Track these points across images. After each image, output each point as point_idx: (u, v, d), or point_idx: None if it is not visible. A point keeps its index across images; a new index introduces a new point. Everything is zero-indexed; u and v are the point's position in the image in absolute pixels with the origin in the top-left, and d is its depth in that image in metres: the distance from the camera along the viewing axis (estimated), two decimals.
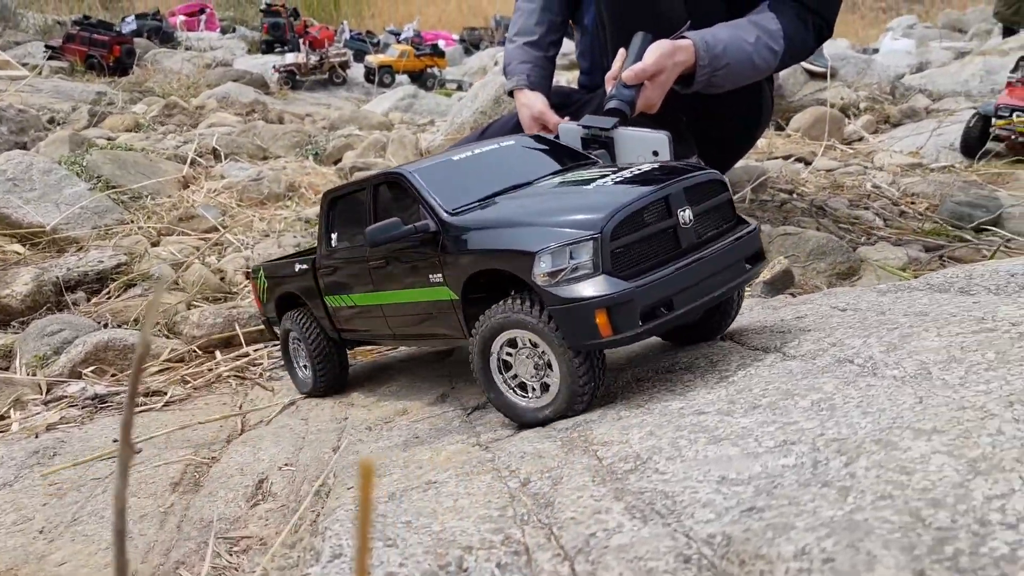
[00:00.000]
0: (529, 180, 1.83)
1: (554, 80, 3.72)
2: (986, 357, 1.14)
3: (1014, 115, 4.47)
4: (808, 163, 4.88)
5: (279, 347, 2.38)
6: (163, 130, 6.95)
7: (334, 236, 2.05)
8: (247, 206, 4.81)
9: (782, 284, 2.70)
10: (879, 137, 6.00)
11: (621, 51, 2.82)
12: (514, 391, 1.52)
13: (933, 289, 1.77)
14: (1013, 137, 4.50)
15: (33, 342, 2.72)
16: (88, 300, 3.34)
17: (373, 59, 14.64)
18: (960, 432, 0.88)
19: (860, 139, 6.04)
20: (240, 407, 2.29)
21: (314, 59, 13.50)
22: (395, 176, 1.83)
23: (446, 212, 1.68)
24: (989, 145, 4.61)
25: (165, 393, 2.47)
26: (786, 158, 4.95)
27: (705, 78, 2.73)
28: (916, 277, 2.57)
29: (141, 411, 2.37)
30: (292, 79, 13.13)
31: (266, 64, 13.93)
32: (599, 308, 1.43)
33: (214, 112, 7.79)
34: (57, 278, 3.35)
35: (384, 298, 1.87)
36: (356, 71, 14.56)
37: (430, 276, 1.68)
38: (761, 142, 5.87)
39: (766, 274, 2.71)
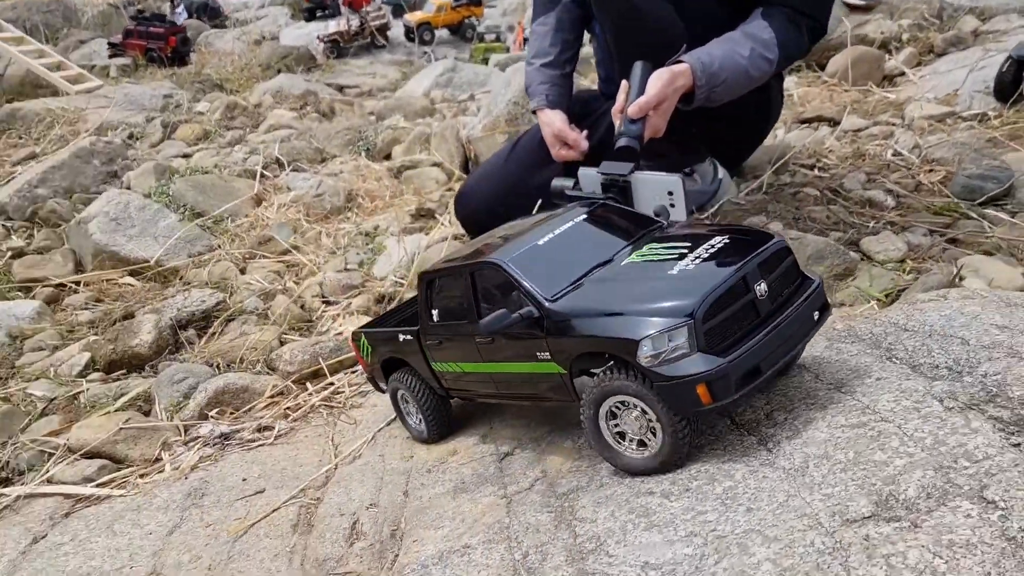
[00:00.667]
0: (609, 258, 2.06)
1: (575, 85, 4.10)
2: (847, 456, 1.61)
3: None
4: (836, 123, 5.10)
5: (389, 401, 2.76)
6: (229, 137, 7.64)
7: (435, 312, 2.32)
8: (314, 220, 5.45)
9: None
10: (921, 71, 6.06)
11: (624, 84, 3.20)
12: (619, 443, 1.87)
13: (866, 344, 2.18)
14: None
15: (166, 389, 3.45)
16: (199, 337, 4.07)
17: (411, 17, 14.95)
18: (787, 542, 1.38)
19: (901, 74, 6.11)
20: (332, 440, 2.95)
21: (355, 24, 13.91)
22: (491, 265, 2.09)
23: (546, 300, 1.94)
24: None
25: (273, 428, 3.16)
26: (812, 121, 5.18)
27: (704, 96, 3.08)
28: (886, 299, 2.96)
29: (257, 445, 3.06)
30: (337, 48, 13.62)
31: (310, 35, 14.43)
32: (699, 383, 1.71)
33: (271, 109, 8.43)
34: (172, 319, 4.09)
35: (493, 368, 2.16)
36: (396, 30, 14.89)
37: (538, 354, 1.96)
38: (797, 92, 6.06)
39: None
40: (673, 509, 1.63)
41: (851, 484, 1.50)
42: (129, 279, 5.11)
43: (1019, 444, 1.48)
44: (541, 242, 2.16)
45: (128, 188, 6.11)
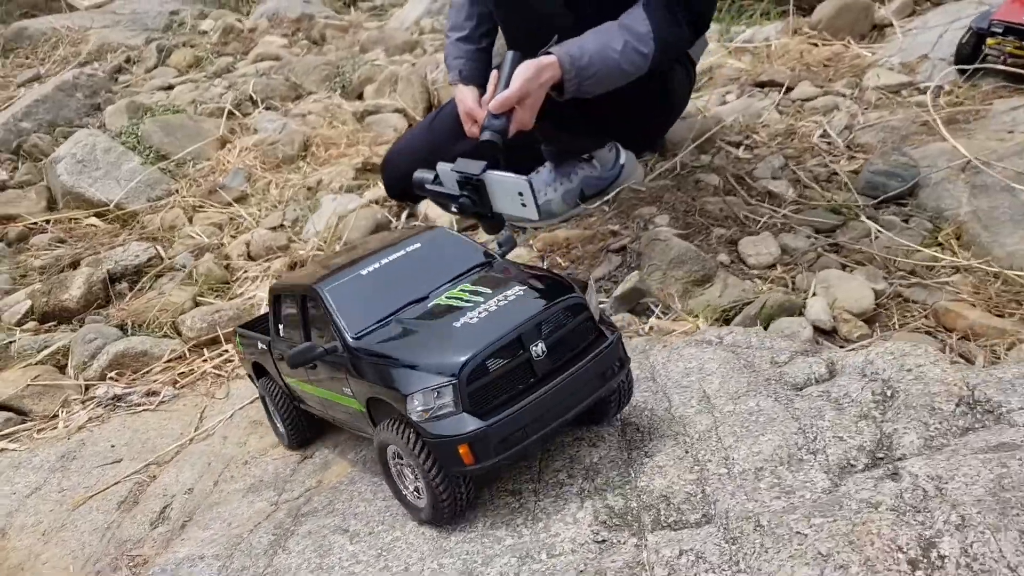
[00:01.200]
0: (425, 294, 2.11)
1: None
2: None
3: (1008, 35, 4.32)
4: (790, 89, 4.96)
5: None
6: (217, 66, 7.81)
7: (280, 327, 2.46)
8: (268, 169, 5.68)
9: (632, 298, 3.24)
10: (912, 23, 5.76)
11: (494, 74, 3.27)
12: (406, 487, 1.99)
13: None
14: (1002, 59, 4.37)
15: (79, 347, 3.83)
16: (130, 291, 4.43)
17: None
18: None
19: (889, 25, 5.82)
20: (201, 413, 3.29)
21: None
22: (313, 292, 2.14)
23: (351, 336, 2.00)
24: (982, 63, 4.50)
25: (160, 393, 3.52)
26: (765, 86, 5.05)
27: (574, 88, 3.13)
28: (720, 317, 3.04)
29: (141, 410, 3.44)
30: None
31: None
32: (460, 444, 1.78)
33: (264, 35, 8.53)
34: (106, 272, 4.45)
35: (319, 392, 2.28)
36: None
37: (343, 388, 2.06)
38: (776, 44, 5.87)
39: (618, 290, 3.25)
40: (346, 551, 1.89)
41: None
42: (94, 220, 5.49)
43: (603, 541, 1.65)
44: (364, 272, 2.20)
45: (103, 126, 6.42)
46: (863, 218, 3.54)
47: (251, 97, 6.77)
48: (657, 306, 3.21)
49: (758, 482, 1.67)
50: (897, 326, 2.86)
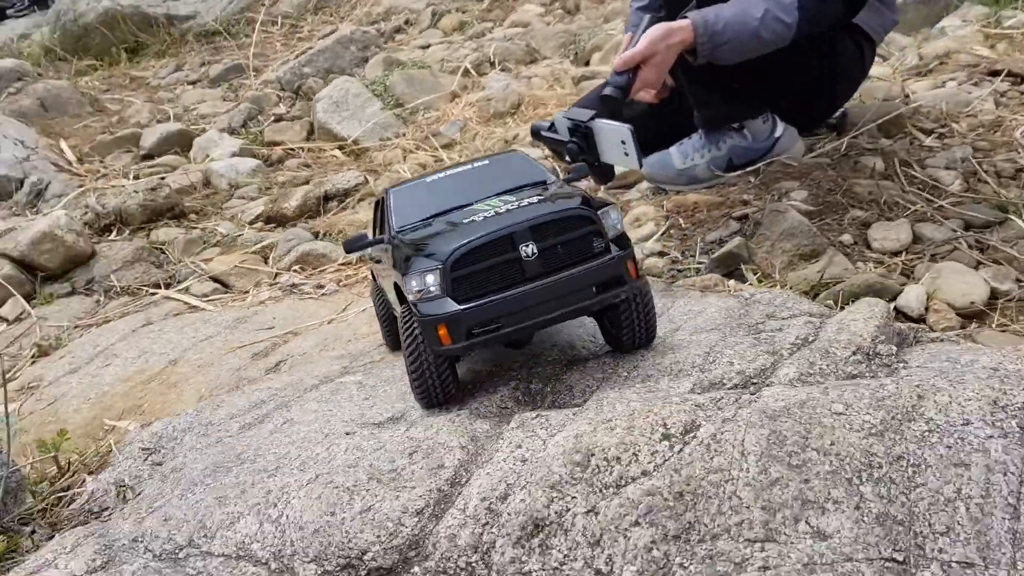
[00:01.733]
0: (470, 202, 2.29)
1: None
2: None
3: None
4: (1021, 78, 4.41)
5: None
6: (474, 31, 8.67)
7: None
8: (481, 122, 6.32)
9: (728, 262, 3.27)
10: None
11: (628, 35, 3.48)
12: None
13: None
14: None
15: (281, 244, 4.76)
16: (336, 207, 5.33)
17: None
18: None
19: None
20: (345, 307, 3.96)
21: None
22: (384, 194, 2.47)
23: (394, 231, 2.25)
24: None
25: (324, 287, 4.28)
26: (996, 74, 4.53)
27: (707, 52, 3.24)
28: (810, 290, 2.98)
29: (307, 297, 4.22)
30: None
31: None
32: (440, 323, 2.00)
33: (525, 3, 9.24)
34: (322, 192, 5.39)
35: (385, 287, 2.55)
36: None
37: (394, 282, 2.26)
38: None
39: (717, 252, 3.30)
40: (352, 395, 2.34)
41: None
42: (336, 151, 6.57)
43: None
44: (430, 179, 2.53)
45: (363, 76, 7.55)
46: (1015, 219, 3.18)
47: (490, 59, 7.48)
48: (756, 274, 3.22)
49: (638, 383, 1.81)
50: (994, 325, 2.62)
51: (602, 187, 4.16)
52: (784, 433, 1.60)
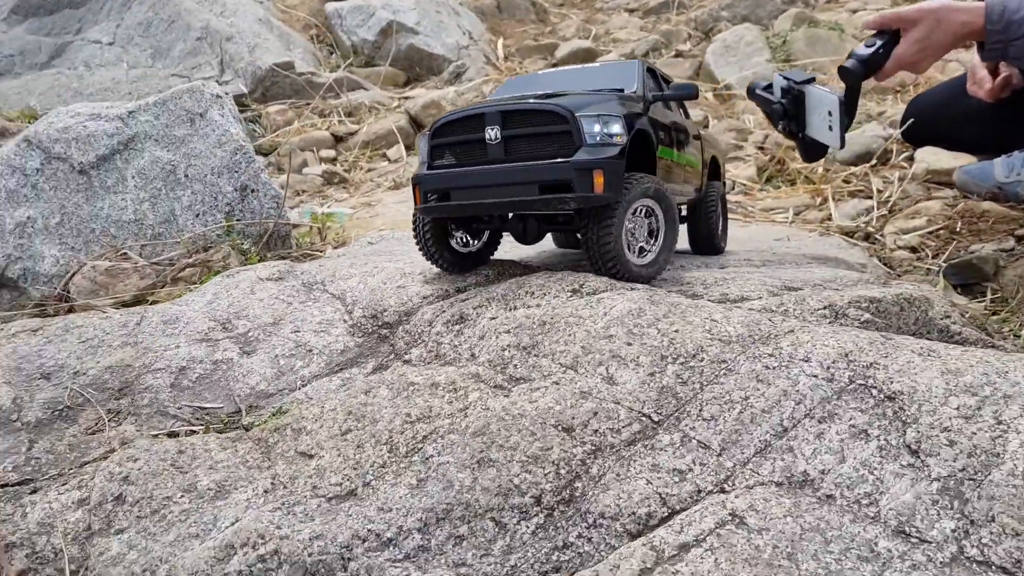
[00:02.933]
0: (549, 93, 2.42)
1: None
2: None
3: None
4: None
5: None
6: None
7: None
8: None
9: (966, 273, 2.94)
10: None
11: None
12: None
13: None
14: None
15: None
16: None
17: None
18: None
19: None
20: None
21: None
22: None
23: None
24: None
25: None
26: None
27: (999, 47, 2.81)
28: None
29: None
30: None
31: None
32: (414, 184, 2.32)
33: None
34: None
35: None
36: None
37: None
38: None
39: (957, 258, 2.99)
40: (383, 265, 2.90)
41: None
42: (708, 94, 6.88)
43: None
44: (541, 73, 2.85)
45: (769, 27, 7.56)
46: None
47: None
48: (995, 294, 2.88)
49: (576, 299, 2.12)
50: None
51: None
52: (646, 311, 1.95)
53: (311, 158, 5.65)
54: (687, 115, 3.10)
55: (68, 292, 3.16)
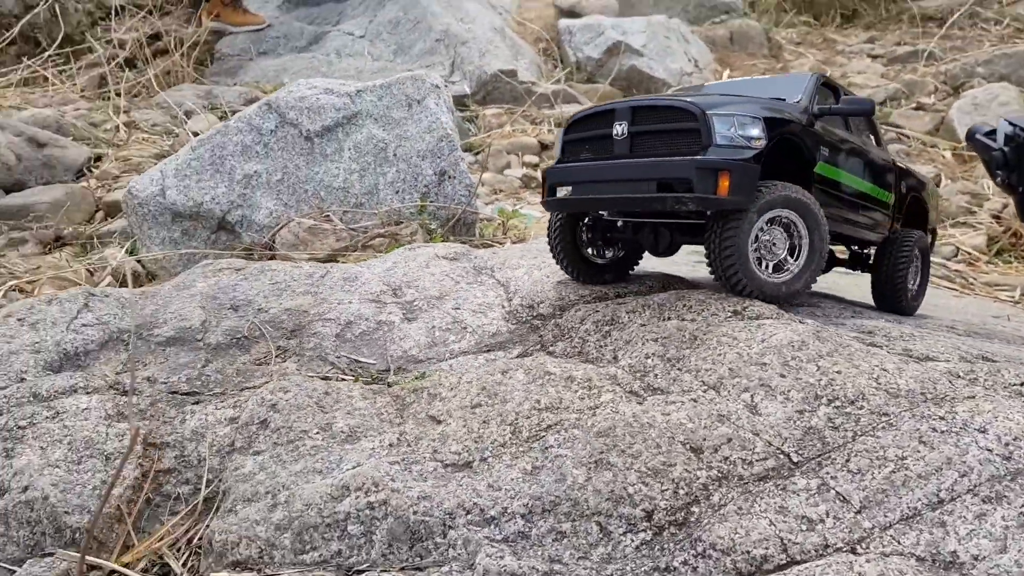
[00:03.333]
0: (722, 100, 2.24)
1: None
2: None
3: None
4: None
5: None
6: None
7: None
8: None
9: None
10: None
11: None
12: None
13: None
14: None
15: None
16: None
17: None
18: None
19: None
20: None
21: None
22: None
23: None
24: None
25: None
26: None
27: None
28: None
29: None
30: None
31: None
32: (542, 178, 2.33)
33: None
34: None
35: None
36: None
37: None
38: None
39: None
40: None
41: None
42: (946, 153, 6.29)
43: None
44: (727, 82, 2.92)
45: None
46: None
47: None
48: None
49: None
50: None
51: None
52: (808, 345, 1.83)
53: (515, 161, 5.81)
54: (879, 143, 2.77)
55: (273, 242, 3.46)
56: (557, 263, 2.46)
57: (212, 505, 1.84)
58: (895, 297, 2.64)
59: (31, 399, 2.11)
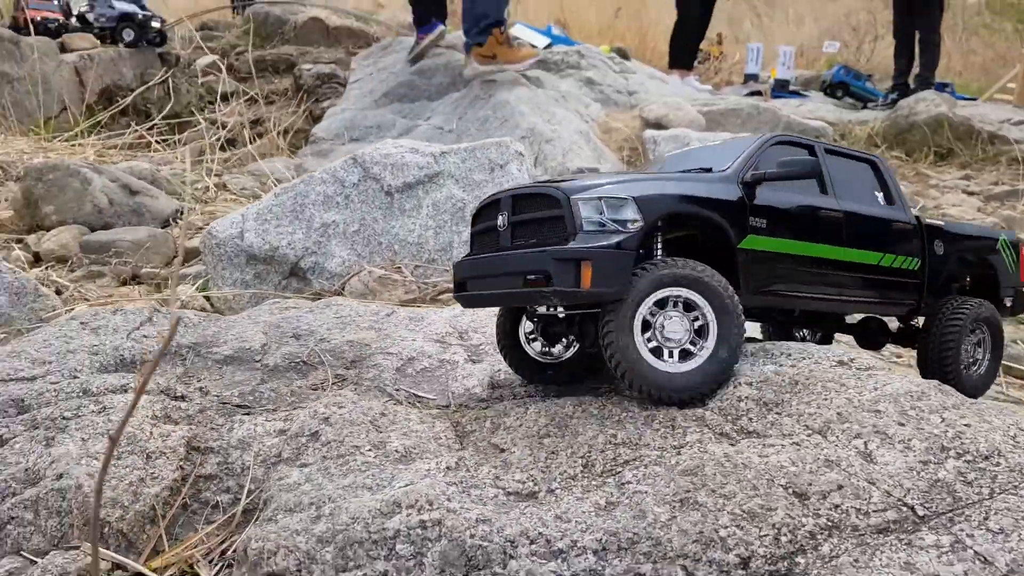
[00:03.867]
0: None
1: None
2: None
3: None
4: None
5: None
6: None
7: None
8: None
9: None
10: None
11: None
12: None
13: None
14: None
15: None
16: None
17: None
18: None
19: None
20: None
21: None
22: None
23: None
24: None
25: None
26: None
27: None
28: None
29: None
30: None
31: None
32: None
33: None
34: None
35: None
36: None
37: None
38: None
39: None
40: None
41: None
42: None
43: None
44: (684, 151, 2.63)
45: None
46: None
47: None
48: None
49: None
50: None
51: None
52: (930, 396, 1.66)
53: None
54: (891, 201, 2.36)
55: (343, 290, 3.41)
56: (505, 361, 2.23)
57: (251, 517, 1.69)
58: (943, 377, 2.21)
59: (80, 394, 2.03)
